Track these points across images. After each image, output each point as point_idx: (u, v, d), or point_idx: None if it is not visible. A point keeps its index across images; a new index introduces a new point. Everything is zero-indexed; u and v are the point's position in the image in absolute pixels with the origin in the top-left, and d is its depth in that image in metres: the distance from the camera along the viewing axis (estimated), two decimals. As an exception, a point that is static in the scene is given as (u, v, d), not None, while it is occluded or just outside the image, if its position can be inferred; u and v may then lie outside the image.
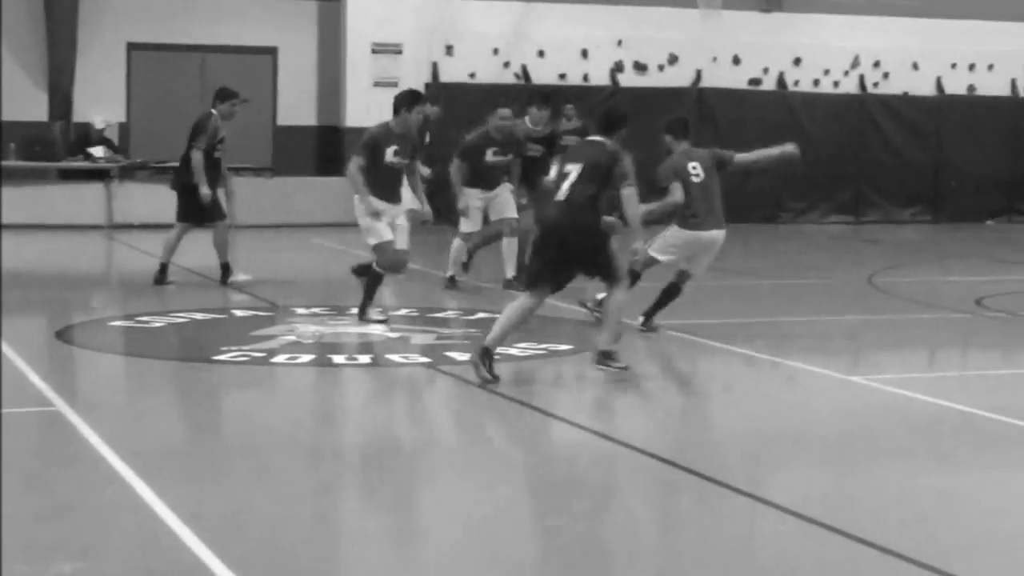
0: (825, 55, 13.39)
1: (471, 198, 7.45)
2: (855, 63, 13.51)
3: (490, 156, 7.48)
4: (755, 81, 13.39)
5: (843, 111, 13.52)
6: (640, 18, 13.02)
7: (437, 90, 12.13)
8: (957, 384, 5.40)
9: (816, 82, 13.46)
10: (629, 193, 4.92)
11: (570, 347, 5.77)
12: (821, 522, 3.05)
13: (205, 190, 7.39)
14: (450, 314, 6.93)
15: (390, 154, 6.04)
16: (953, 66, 13.55)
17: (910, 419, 4.54)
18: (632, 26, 13.04)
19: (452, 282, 7.60)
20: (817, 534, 3.00)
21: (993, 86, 13.73)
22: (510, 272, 7.42)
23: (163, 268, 7.63)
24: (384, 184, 6.08)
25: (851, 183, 13.53)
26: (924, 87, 13.65)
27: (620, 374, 4.89)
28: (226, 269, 7.65)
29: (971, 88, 13.67)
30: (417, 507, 3.45)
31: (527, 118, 7.96)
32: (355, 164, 6.05)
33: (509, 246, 7.50)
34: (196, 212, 7.52)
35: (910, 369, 5.78)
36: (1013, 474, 3.81)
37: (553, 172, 5.34)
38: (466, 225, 7.59)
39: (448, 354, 5.45)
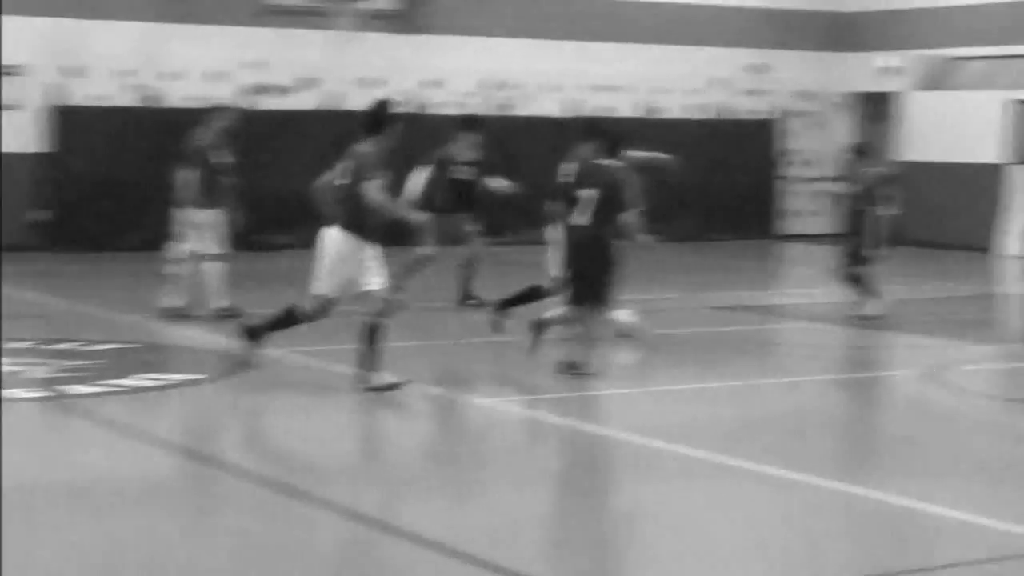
0: (463, 77, 13.47)
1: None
2: (494, 85, 13.70)
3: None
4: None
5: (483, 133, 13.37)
6: (275, 39, 12.93)
7: (64, 114, 11.95)
8: (593, 404, 5.69)
9: (453, 104, 13.14)
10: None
11: (201, 376, 5.80)
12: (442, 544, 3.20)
13: None
14: (72, 346, 6.64)
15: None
16: (581, 88, 13.78)
17: (546, 439, 4.99)
18: (267, 48, 12.89)
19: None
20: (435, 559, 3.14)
21: (621, 107, 13.99)
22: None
23: None
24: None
25: (491, 203, 13.25)
26: (552, 109, 13.73)
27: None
28: None
29: (609, 109, 13.72)
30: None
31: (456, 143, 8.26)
32: (376, 187, 5.29)
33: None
34: None
35: (545, 391, 5.94)
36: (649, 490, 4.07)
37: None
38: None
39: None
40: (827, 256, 12.03)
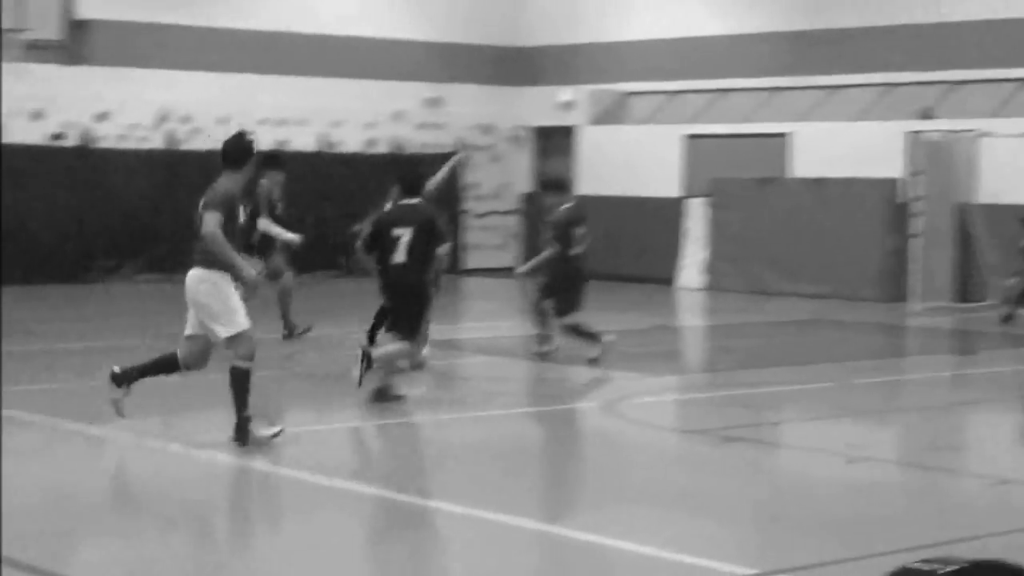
0: (132, 109, 12.87)
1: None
2: (163, 118, 13.18)
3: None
4: (58, 136, 12.53)
5: (153, 166, 12.99)
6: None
7: None
8: (273, 442, 5.21)
9: (122, 137, 12.93)
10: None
11: None
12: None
13: None
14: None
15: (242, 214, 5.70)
16: (262, 121, 13.13)
17: (215, 480, 4.74)
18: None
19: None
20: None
21: (302, 142, 13.76)
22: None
23: None
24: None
25: (165, 239, 12.64)
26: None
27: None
28: None
29: (280, 143, 13.41)
30: None
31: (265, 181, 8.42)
32: (215, 222, 5.11)
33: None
34: None
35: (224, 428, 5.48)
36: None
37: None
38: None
39: None
40: (507, 290, 12.28)
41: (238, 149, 5.39)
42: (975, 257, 11.43)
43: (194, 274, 5.06)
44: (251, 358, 5.00)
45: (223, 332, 4.94)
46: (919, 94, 12.44)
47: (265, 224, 8.37)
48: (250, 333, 5.03)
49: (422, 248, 5.88)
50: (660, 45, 14.08)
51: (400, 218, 6.05)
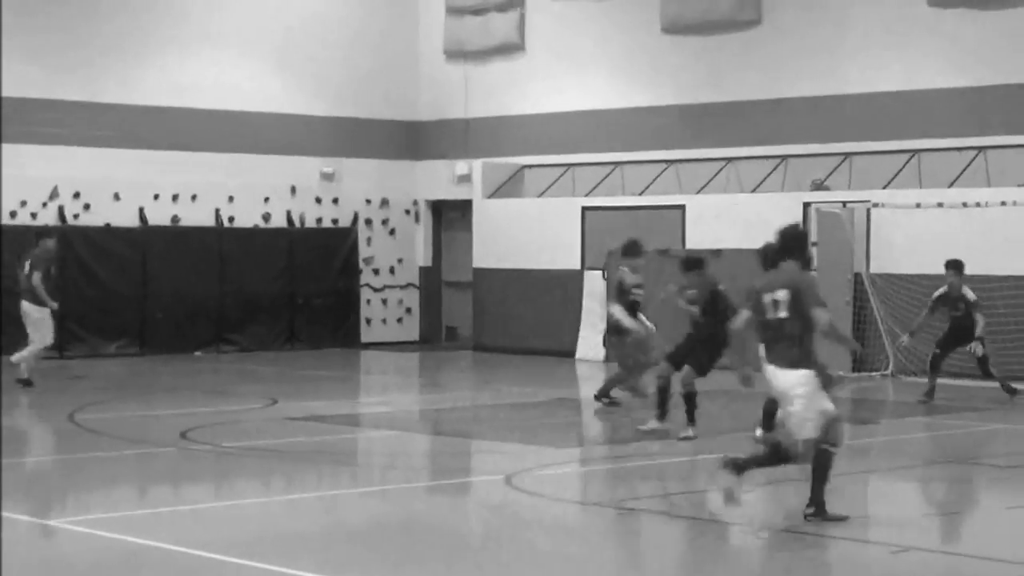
0: (22, 185, 12.23)
1: None
2: (54, 194, 12.67)
3: None
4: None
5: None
6: None
7: None
8: (167, 520, 5.17)
9: (13, 214, 12.34)
10: None
11: None
12: None
13: None
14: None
15: None
16: (156, 196, 13.07)
17: (110, 560, 4.40)
18: None
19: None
20: None
21: (197, 217, 13.41)
22: None
23: None
24: None
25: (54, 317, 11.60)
26: (127, 218, 13.13)
27: None
28: None
29: (175, 219, 13.26)
30: None
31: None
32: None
33: None
34: None
35: (117, 508, 5.53)
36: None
37: None
38: None
39: None
40: (405, 364, 12.84)
41: None
42: (871, 326, 11.30)
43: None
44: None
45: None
46: (814, 166, 12.50)
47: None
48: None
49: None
50: (556, 118, 13.85)
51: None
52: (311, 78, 14.20)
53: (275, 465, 6.92)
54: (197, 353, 13.07)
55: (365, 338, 14.23)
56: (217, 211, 13.55)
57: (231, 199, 13.53)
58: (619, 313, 8.21)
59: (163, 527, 4.92)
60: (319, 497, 5.99)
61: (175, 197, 13.28)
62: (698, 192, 12.88)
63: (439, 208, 14.91)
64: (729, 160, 13.00)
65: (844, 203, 11.67)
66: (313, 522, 5.27)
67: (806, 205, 11.72)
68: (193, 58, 13.51)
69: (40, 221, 12.41)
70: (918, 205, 11.03)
